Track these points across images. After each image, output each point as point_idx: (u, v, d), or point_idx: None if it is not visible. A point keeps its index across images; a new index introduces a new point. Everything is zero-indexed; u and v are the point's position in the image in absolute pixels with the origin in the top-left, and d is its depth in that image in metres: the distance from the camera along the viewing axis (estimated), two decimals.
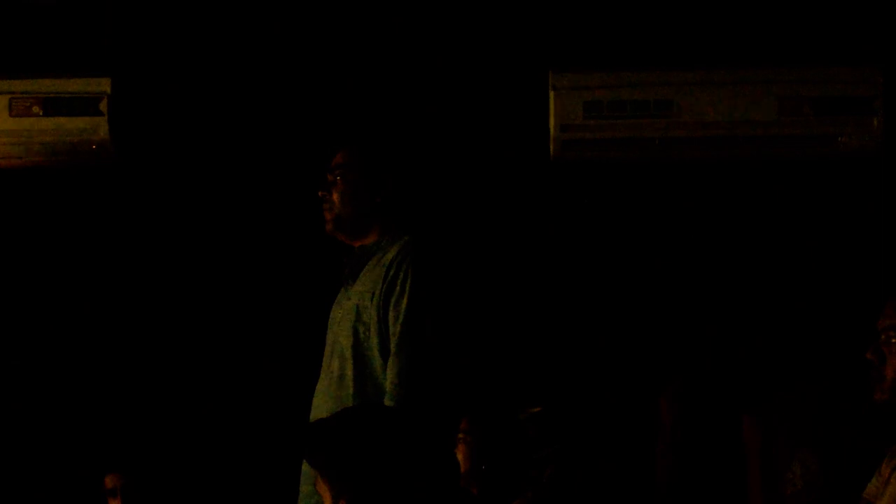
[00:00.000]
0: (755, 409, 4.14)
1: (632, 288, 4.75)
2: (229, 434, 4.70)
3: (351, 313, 3.45)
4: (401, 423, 3.12)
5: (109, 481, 4.39)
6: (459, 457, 3.85)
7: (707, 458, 4.26)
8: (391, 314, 3.35)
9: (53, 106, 4.59)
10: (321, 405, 3.44)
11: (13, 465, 4.74)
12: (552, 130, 4.56)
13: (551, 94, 4.55)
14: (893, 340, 3.14)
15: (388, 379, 3.29)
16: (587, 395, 4.66)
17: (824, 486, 3.81)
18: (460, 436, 3.97)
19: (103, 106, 4.58)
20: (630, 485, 4.52)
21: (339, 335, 3.48)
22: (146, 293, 4.81)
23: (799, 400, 4.08)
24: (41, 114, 4.59)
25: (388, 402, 3.26)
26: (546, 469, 4.10)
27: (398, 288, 3.35)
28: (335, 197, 3.53)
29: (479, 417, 4.11)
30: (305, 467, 3.31)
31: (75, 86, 4.59)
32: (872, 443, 3.61)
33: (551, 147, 4.58)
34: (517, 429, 4.30)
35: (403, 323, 3.31)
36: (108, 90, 4.58)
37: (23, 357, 4.80)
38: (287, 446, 3.14)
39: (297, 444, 3.04)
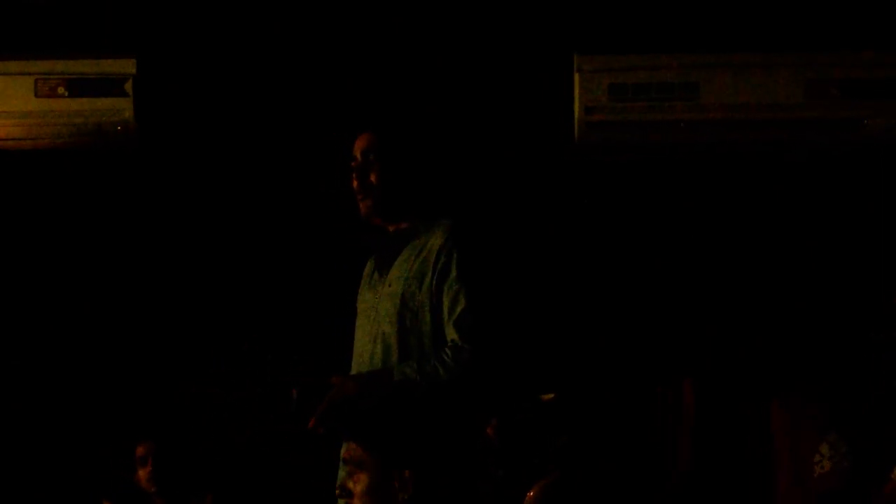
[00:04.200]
0: (780, 396, 4.13)
1: (657, 271, 4.73)
2: (258, 405, 4.73)
3: (393, 300, 3.40)
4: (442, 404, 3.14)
5: (140, 450, 4.46)
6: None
7: (730, 443, 4.25)
8: (446, 299, 3.31)
9: (79, 87, 4.59)
10: None
11: (45, 434, 4.77)
12: (577, 112, 4.55)
13: (576, 76, 4.54)
14: None
15: (448, 357, 3.25)
16: (611, 380, 4.66)
17: (852, 467, 3.80)
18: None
19: (128, 87, 4.58)
20: (651, 471, 4.52)
21: (379, 321, 3.44)
22: (170, 274, 4.83)
23: (826, 384, 4.07)
24: (66, 95, 4.60)
25: (443, 374, 3.23)
26: (569, 454, 4.11)
27: (453, 272, 3.32)
28: (373, 178, 3.49)
29: (503, 401, 4.12)
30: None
31: (100, 67, 4.60)
32: None
33: (576, 129, 4.58)
34: (539, 414, 4.30)
35: (466, 301, 3.28)
36: (134, 71, 4.58)
37: (52, 331, 4.83)
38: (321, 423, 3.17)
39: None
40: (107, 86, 4.59)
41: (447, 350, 3.28)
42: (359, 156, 3.53)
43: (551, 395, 4.49)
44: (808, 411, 4.01)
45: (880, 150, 4.61)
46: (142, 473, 4.48)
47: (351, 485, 2.89)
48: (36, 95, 4.60)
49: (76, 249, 4.87)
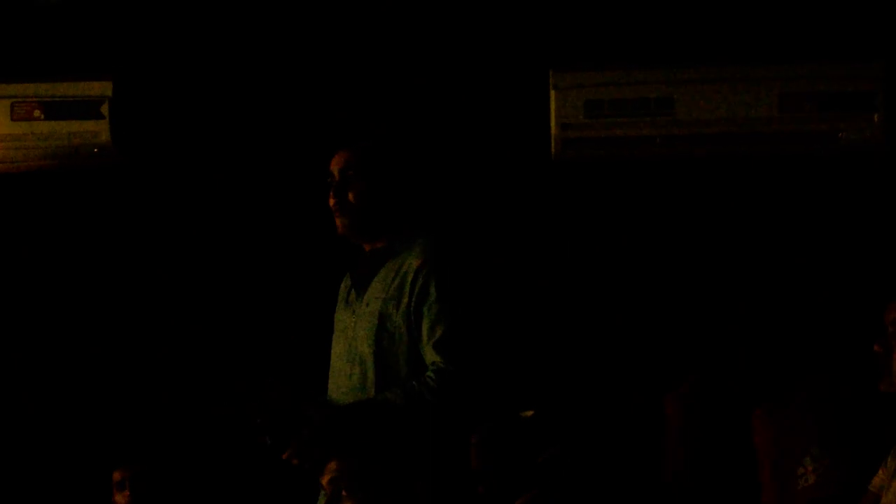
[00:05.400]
0: (765, 406, 4.13)
1: (637, 287, 4.74)
2: (236, 428, 4.69)
3: (371, 320, 3.40)
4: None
5: (117, 475, 4.42)
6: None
7: (716, 455, 4.25)
8: (426, 321, 3.31)
9: (55, 109, 4.60)
10: None
11: (22, 460, 4.74)
12: (553, 129, 4.56)
13: (552, 93, 4.55)
14: None
15: (432, 379, 3.25)
16: (593, 394, 4.66)
17: (836, 480, 3.80)
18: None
19: (105, 109, 4.59)
20: (636, 484, 4.52)
21: (356, 342, 3.43)
22: (149, 294, 4.81)
23: (809, 396, 4.07)
24: (43, 117, 4.60)
25: (428, 396, 3.24)
26: (551, 469, 4.10)
27: (432, 294, 3.32)
28: (351, 197, 3.48)
29: (483, 419, 4.11)
30: None
31: (77, 89, 4.60)
32: (881, 435, 3.62)
33: (552, 146, 4.59)
34: (520, 430, 4.29)
35: (446, 323, 3.27)
36: (110, 93, 4.59)
37: (30, 356, 4.79)
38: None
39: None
40: (83, 108, 4.59)
41: (430, 373, 3.28)
42: (336, 173, 3.53)
43: (531, 412, 4.48)
44: (792, 424, 4.02)
45: (856, 161, 4.63)
46: (119, 499, 4.44)
47: None
48: (12, 119, 4.60)
49: (54, 272, 4.84)
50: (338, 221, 3.55)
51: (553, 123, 4.55)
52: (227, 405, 4.66)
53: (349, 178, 3.50)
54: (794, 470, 3.94)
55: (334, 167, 3.55)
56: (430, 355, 3.31)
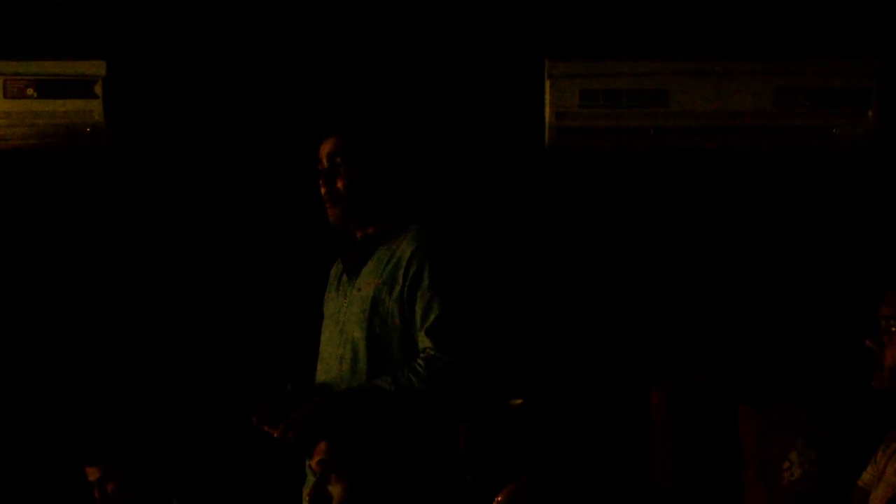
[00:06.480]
0: (752, 403, 4.14)
1: (629, 278, 4.74)
2: (217, 424, 4.67)
3: (363, 304, 3.40)
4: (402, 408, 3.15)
5: (91, 473, 4.33)
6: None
7: (703, 451, 4.26)
8: (419, 307, 3.31)
9: (48, 88, 4.58)
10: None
11: (20, 459, 4.69)
12: (547, 118, 4.57)
13: (547, 82, 4.56)
14: (893, 329, 3.17)
15: (424, 366, 3.24)
16: (583, 384, 4.66)
17: (821, 474, 3.82)
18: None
19: (98, 88, 4.58)
20: (625, 477, 4.53)
21: (347, 326, 3.43)
22: (138, 280, 4.78)
23: (795, 392, 4.09)
24: (35, 96, 4.59)
25: (417, 384, 3.24)
26: (540, 457, 4.11)
27: (425, 280, 3.32)
28: (340, 184, 3.48)
29: (472, 407, 4.12)
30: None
31: (70, 68, 4.58)
32: (869, 430, 3.63)
33: (546, 135, 4.59)
34: (509, 418, 4.30)
35: (439, 310, 3.27)
36: (104, 73, 4.58)
37: (22, 348, 4.74)
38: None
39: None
40: (76, 87, 4.58)
41: (420, 361, 3.29)
42: (325, 160, 3.53)
43: (520, 401, 4.49)
44: (778, 418, 4.03)
45: (850, 156, 4.64)
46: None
47: (330, 488, 2.91)
48: (4, 96, 4.58)
49: (44, 251, 4.82)
50: (329, 210, 3.54)
51: (547, 112, 4.56)
52: (231, 404, 4.63)
53: (337, 164, 3.51)
54: (780, 464, 3.95)
55: (323, 153, 3.56)
56: (423, 341, 3.32)
